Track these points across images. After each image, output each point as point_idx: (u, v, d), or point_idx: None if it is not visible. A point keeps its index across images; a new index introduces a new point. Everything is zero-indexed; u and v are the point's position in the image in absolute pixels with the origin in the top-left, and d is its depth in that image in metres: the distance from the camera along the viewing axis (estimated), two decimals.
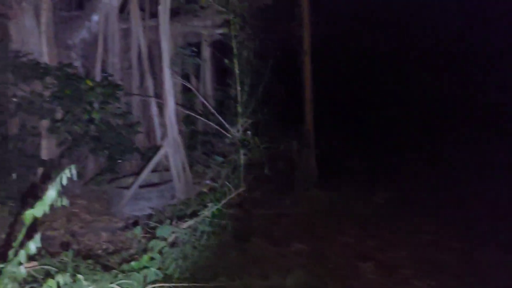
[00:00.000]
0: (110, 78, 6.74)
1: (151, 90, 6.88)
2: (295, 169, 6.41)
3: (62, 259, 3.70)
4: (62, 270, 3.41)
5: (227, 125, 6.47)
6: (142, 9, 7.01)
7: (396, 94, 10.48)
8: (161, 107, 6.97)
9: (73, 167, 3.06)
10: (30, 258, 3.20)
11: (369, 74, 10.86)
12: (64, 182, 3.04)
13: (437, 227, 5.14)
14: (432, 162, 7.89)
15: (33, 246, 3.07)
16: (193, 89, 7.48)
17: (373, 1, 10.17)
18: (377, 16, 10.53)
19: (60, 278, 3.10)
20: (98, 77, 6.64)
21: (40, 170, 6.08)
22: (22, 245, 3.09)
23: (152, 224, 4.65)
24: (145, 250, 4.22)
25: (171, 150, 6.18)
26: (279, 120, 7.46)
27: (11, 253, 3.05)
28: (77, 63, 7.01)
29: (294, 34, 6.41)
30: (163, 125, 6.82)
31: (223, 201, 4.85)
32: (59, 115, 6.07)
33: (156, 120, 7.01)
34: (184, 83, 7.21)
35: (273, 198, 5.99)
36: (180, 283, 3.52)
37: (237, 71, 6.23)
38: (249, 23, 6.69)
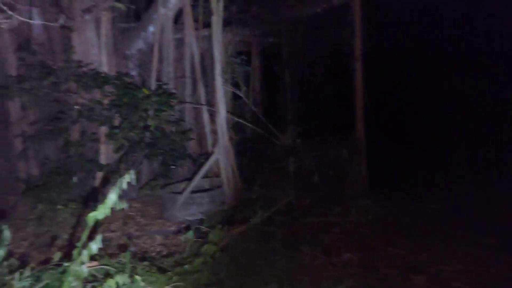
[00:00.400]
0: (164, 86, 6.97)
1: (203, 98, 7.06)
2: (345, 177, 6.35)
3: (120, 260, 3.87)
4: (120, 270, 3.57)
5: (276, 132, 6.52)
6: (195, 19, 7.21)
7: (449, 101, 10.13)
8: (212, 115, 7.14)
9: (132, 172, 3.22)
10: (91, 258, 3.39)
11: (422, 81, 10.57)
12: (125, 186, 3.19)
13: (496, 241, 4.90)
14: (490, 170, 7.53)
15: (94, 246, 3.24)
16: (243, 96, 7.60)
17: (425, 7, 9.91)
18: (429, 22, 10.25)
19: (119, 279, 3.26)
20: (153, 86, 6.89)
21: (98, 174, 6.39)
22: (84, 245, 3.27)
23: (204, 228, 4.77)
24: (197, 254, 4.34)
25: (222, 156, 6.31)
26: (329, 127, 7.43)
27: (75, 252, 3.23)
28: (134, 72, 7.33)
29: (345, 41, 6.37)
30: (214, 132, 6.98)
31: (273, 209, 4.88)
32: (116, 122, 6.36)
33: (207, 127, 7.17)
34: (234, 91, 7.34)
35: (322, 206, 5.95)
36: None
37: (287, 79, 6.27)
38: (299, 31, 6.73)
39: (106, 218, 3.99)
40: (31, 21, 3.78)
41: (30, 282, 3.39)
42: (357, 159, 6.43)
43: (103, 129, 6.37)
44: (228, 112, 6.78)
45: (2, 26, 3.17)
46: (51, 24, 4.95)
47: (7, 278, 3.45)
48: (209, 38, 7.18)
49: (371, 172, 6.70)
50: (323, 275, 4.09)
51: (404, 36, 10.08)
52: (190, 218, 5.91)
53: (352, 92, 6.52)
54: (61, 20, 4.41)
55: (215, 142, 6.78)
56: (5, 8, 3.10)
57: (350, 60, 6.28)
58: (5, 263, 3.63)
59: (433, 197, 6.16)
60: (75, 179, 6.08)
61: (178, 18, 7.63)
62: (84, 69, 6.37)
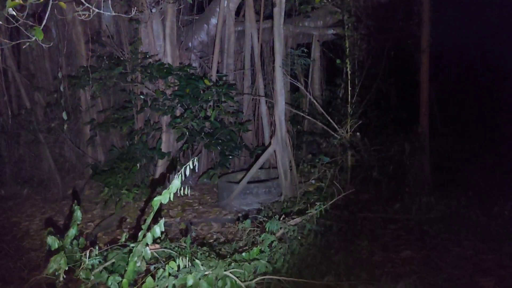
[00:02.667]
0: (224, 78, 7.09)
1: (261, 90, 7.10)
2: (406, 173, 6.13)
3: (180, 245, 4.00)
4: (181, 254, 3.69)
5: (336, 125, 6.42)
6: (256, 12, 7.24)
7: None
8: (270, 106, 7.16)
9: (195, 160, 3.30)
10: (154, 241, 3.53)
11: (491, 79, 9.96)
12: (187, 173, 3.28)
13: None
14: None
15: (158, 230, 3.37)
16: (302, 88, 7.55)
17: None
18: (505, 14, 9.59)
19: (180, 261, 3.37)
20: (214, 77, 7.02)
21: (160, 162, 6.62)
22: (149, 228, 3.41)
23: (261, 218, 4.81)
24: (254, 243, 4.39)
25: (279, 148, 6.31)
26: (391, 121, 7.20)
27: (140, 234, 3.38)
28: (196, 64, 7.50)
29: (411, 32, 6.12)
30: (272, 123, 7.00)
31: (330, 202, 4.82)
32: (178, 112, 6.55)
33: (265, 118, 7.21)
34: (294, 82, 7.30)
35: (382, 202, 5.80)
36: (288, 277, 3.59)
37: (349, 71, 6.15)
38: (363, 23, 6.56)
39: (166, 204, 4.14)
40: (105, 13, 3.96)
41: (98, 260, 3.59)
42: (420, 155, 6.18)
43: (166, 119, 6.59)
44: (286, 104, 6.77)
45: (80, 17, 3.33)
46: (122, 15, 5.14)
47: (78, 255, 3.67)
48: (269, 30, 7.20)
49: (434, 169, 6.43)
50: (382, 271, 3.99)
51: (477, 30, 9.53)
52: (246, 207, 5.99)
53: (417, 86, 6.28)
54: (132, 13, 4.57)
55: (272, 134, 6.79)
56: (83, 1, 3.26)
57: (416, 53, 6.04)
58: (75, 241, 3.87)
59: (504, 197, 5.79)
60: (138, 165, 6.34)
61: (239, 10, 7.70)
62: (150, 60, 6.60)
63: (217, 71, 7.32)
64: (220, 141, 6.39)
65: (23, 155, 7.52)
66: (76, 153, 7.61)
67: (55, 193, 6.97)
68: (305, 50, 7.93)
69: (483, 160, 7.58)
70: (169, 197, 3.25)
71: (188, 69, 6.56)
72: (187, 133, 6.26)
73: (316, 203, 4.72)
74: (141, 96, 6.48)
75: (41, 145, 7.23)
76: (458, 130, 8.92)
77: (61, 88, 6.31)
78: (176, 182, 3.22)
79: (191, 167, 3.27)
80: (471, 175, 6.89)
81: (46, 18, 3.64)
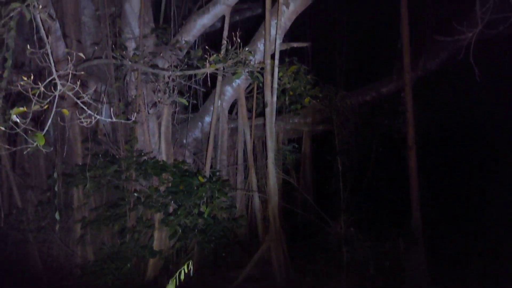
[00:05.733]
0: (218, 173, 7.19)
1: (254, 185, 7.17)
2: (403, 269, 6.01)
3: None
4: None
5: (328, 220, 6.42)
6: (249, 109, 7.58)
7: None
8: (264, 201, 7.19)
9: (190, 263, 3.25)
10: None
11: (484, 163, 10.20)
12: (182, 277, 3.21)
13: None
14: None
15: None
16: (294, 183, 7.66)
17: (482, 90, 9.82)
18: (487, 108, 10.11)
19: None
20: (207, 173, 7.12)
21: (151, 261, 6.43)
22: None
23: None
24: None
25: (273, 244, 6.23)
26: (383, 215, 7.21)
27: None
28: (190, 160, 7.64)
29: (397, 128, 6.41)
30: (265, 219, 6.98)
31: None
32: (171, 208, 6.52)
33: (259, 214, 7.19)
34: (286, 178, 7.42)
35: None
36: None
37: (339, 166, 6.30)
38: (350, 120, 6.87)
39: None
40: (104, 119, 4.13)
41: None
42: (415, 250, 6.12)
43: (158, 216, 6.54)
44: (279, 199, 6.81)
45: (81, 124, 3.47)
46: (121, 121, 5.36)
47: None
48: (261, 126, 7.48)
49: (432, 263, 6.32)
50: None
51: (461, 119, 9.93)
52: None
53: (406, 179, 6.40)
54: (132, 117, 4.76)
55: (266, 229, 6.74)
56: (84, 107, 3.43)
57: (403, 148, 6.25)
58: None
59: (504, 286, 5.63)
60: (128, 265, 6.15)
61: (232, 108, 8.05)
62: (145, 157, 6.73)
63: (211, 167, 7.44)
64: (213, 238, 6.30)
65: (10, 254, 7.27)
66: (65, 252, 7.39)
67: None
68: (296, 145, 8.17)
69: (480, 244, 7.49)
70: None
71: (182, 166, 6.67)
72: (180, 230, 6.19)
73: None
74: (135, 194, 6.49)
75: (30, 245, 7.04)
76: (452, 216, 8.90)
77: (55, 188, 6.33)
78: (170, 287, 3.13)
79: (186, 271, 3.20)
80: (469, 263, 6.76)
81: (48, 124, 3.79)
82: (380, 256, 6.35)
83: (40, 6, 3.72)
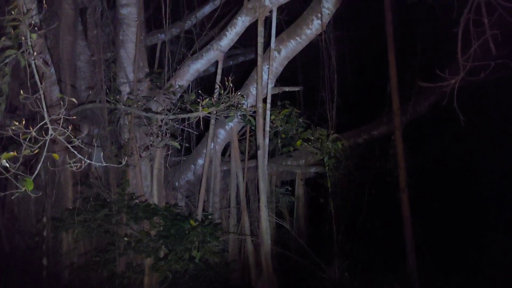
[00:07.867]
0: (210, 217, 7.11)
1: (247, 228, 7.08)
2: None
3: None
4: None
5: (322, 265, 6.32)
6: (241, 152, 7.61)
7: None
8: (256, 245, 7.08)
9: None
10: None
11: (474, 207, 10.18)
12: None
13: None
14: None
15: None
16: (287, 227, 7.58)
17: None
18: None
19: None
20: (199, 216, 7.04)
21: None
22: None
23: None
24: None
25: None
26: (378, 259, 7.11)
27: None
28: (182, 203, 7.58)
29: (390, 171, 6.44)
30: (258, 263, 6.84)
31: None
32: (162, 253, 6.40)
33: (251, 258, 7.06)
34: (278, 221, 7.36)
35: None
36: None
37: (332, 209, 6.27)
38: (342, 162, 6.90)
39: None
40: (96, 163, 4.13)
41: None
42: None
43: (149, 261, 6.40)
44: (272, 242, 6.72)
45: (72, 169, 3.46)
46: (113, 165, 5.35)
47: None
48: (254, 169, 7.48)
49: None
50: None
51: (452, 161, 9.97)
52: None
53: (401, 222, 6.36)
54: (123, 162, 4.77)
55: (259, 274, 6.60)
56: (75, 152, 3.43)
57: (396, 191, 6.26)
58: None
59: None
60: None
61: (225, 150, 8.08)
62: (136, 200, 6.67)
63: (203, 210, 7.36)
64: (204, 283, 6.16)
65: None
66: None
67: None
68: (289, 188, 8.16)
69: None
70: None
71: (174, 209, 6.60)
72: (171, 276, 6.04)
73: None
74: (125, 238, 6.38)
75: None
76: (448, 258, 8.78)
77: (44, 233, 6.22)
78: None
79: None
80: None
81: (38, 168, 3.77)
82: None
83: (35, 53, 3.79)
